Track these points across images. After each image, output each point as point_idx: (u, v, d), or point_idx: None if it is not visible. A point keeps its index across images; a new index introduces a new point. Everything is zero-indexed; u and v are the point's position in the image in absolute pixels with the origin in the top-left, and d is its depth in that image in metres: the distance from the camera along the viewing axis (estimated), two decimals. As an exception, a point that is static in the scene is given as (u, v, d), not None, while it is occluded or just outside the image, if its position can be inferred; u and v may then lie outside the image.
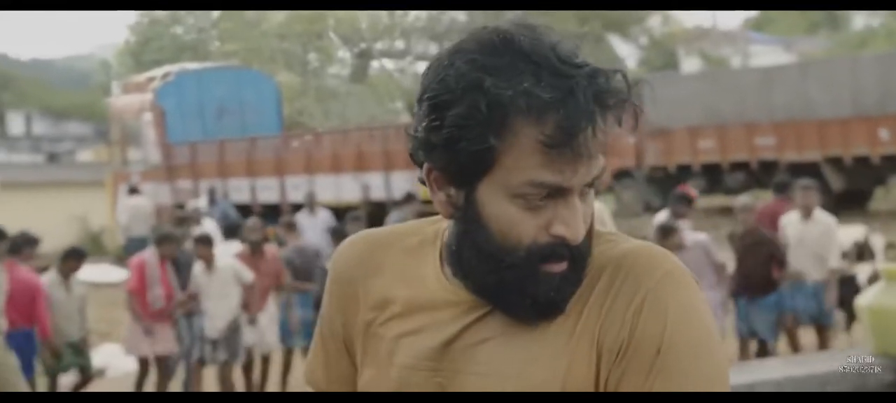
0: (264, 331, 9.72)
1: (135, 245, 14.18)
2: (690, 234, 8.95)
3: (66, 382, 9.72)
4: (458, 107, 1.33)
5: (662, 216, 9.63)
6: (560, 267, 1.37)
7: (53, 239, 14.02)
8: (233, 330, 9.29)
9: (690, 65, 37.65)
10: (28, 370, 8.57)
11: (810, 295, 9.13)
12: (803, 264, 9.08)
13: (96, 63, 50.29)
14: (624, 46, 38.83)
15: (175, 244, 9.74)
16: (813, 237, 9.09)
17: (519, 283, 1.39)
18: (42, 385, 9.38)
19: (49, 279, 9.31)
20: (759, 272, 9.09)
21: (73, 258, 9.46)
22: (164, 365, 9.65)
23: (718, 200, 22.11)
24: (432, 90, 1.37)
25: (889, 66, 20.76)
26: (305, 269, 10.01)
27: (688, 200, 9.59)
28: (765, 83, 22.02)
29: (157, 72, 23.66)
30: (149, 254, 9.61)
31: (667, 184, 19.45)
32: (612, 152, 1.34)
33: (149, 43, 40.93)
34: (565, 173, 1.33)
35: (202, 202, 15.64)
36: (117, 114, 23.22)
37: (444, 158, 1.37)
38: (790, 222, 9.26)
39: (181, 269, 9.60)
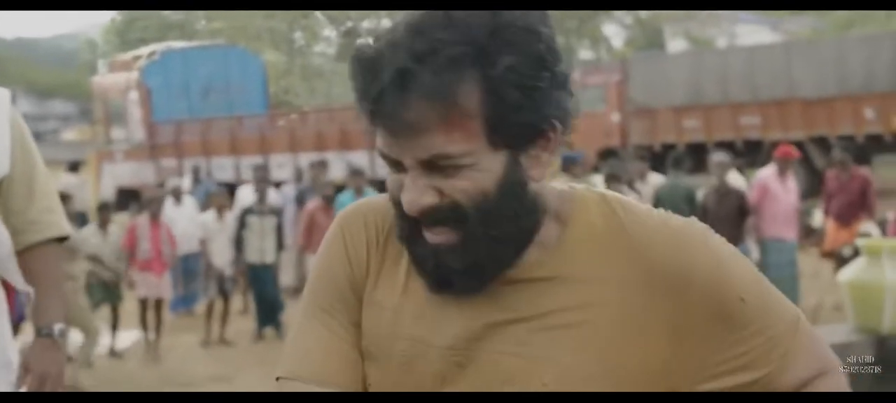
0: None
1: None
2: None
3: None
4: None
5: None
6: (440, 236, 1.35)
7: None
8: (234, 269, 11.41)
9: (676, 45, 37.63)
10: None
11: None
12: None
13: (82, 42, 50.08)
14: (609, 26, 38.81)
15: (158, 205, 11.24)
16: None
17: (409, 248, 1.40)
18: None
19: (89, 229, 10.90)
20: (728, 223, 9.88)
21: (105, 210, 11.04)
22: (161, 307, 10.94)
23: (702, 180, 22.11)
24: None
25: (874, 46, 20.80)
26: None
27: None
28: (750, 63, 22.05)
29: (143, 50, 23.55)
30: (141, 218, 11.26)
31: (652, 164, 19.46)
32: (458, 131, 1.28)
33: (135, 22, 40.80)
34: (393, 148, 1.31)
35: (185, 181, 15.60)
36: (102, 93, 23.10)
37: None
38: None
39: None
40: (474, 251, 1.34)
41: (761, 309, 1.41)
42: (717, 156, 10.54)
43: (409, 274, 1.44)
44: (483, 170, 1.31)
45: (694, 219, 1.45)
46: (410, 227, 1.37)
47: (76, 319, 8.98)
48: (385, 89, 1.27)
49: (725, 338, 1.39)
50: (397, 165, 1.34)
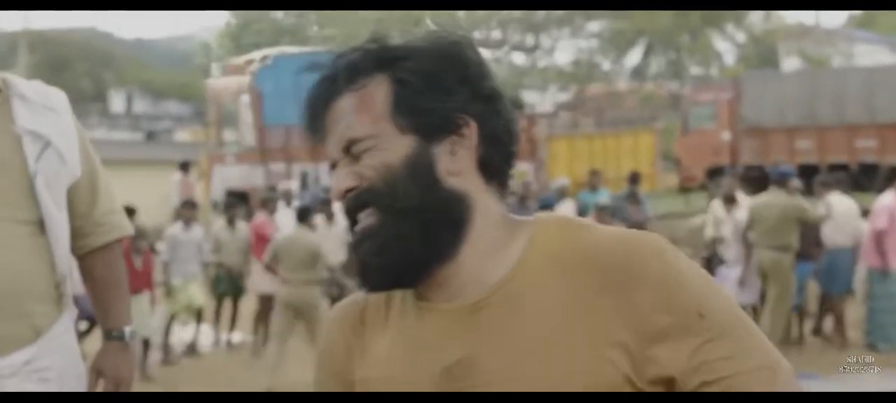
0: None
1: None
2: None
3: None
4: None
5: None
6: (362, 223, 1.47)
7: (147, 217, 14.27)
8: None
9: (791, 63, 36.94)
10: None
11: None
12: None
13: (197, 44, 51.11)
14: (722, 42, 38.29)
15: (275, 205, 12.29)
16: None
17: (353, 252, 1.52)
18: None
19: (217, 225, 12.25)
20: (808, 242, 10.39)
21: (231, 208, 12.12)
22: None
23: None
24: None
25: None
26: None
27: None
28: (868, 84, 21.55)
29: (256, 55, 23.91)
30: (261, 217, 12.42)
31: (762, 184, 19.14)
32: (367, 116, 1.46)
33: (249, 26, 41.55)
34: (328, 149, 1.51)
35: (294, 185, 15.80)
36: (215, 96, 23.52)
37: None
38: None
39: None
40: (385, 231, 1.45)
41: (725, 330, 1.39)
42: (793, 183, 10.68)
43: (391, 342, 1.52)
44: (388, 149, 1.45)
45: (655, 234, 1.47)
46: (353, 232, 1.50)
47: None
48: (315, 99, 1.50)
49: (687, 344, 1.38)
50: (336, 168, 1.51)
